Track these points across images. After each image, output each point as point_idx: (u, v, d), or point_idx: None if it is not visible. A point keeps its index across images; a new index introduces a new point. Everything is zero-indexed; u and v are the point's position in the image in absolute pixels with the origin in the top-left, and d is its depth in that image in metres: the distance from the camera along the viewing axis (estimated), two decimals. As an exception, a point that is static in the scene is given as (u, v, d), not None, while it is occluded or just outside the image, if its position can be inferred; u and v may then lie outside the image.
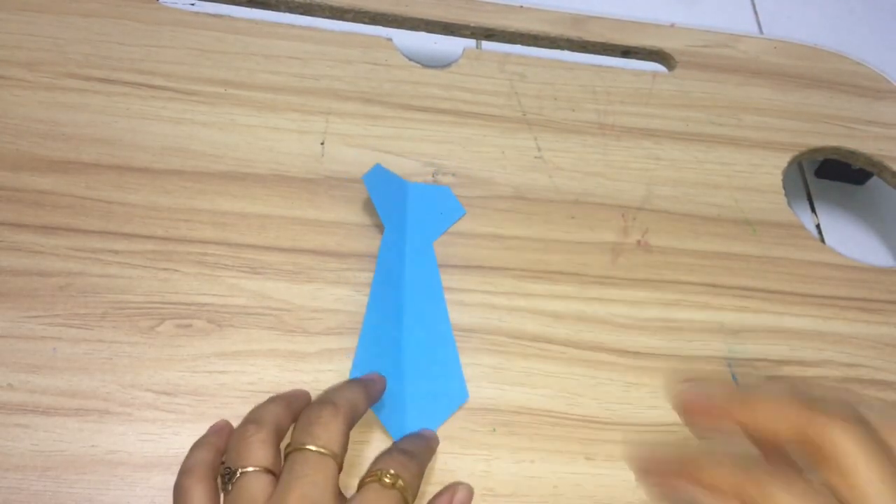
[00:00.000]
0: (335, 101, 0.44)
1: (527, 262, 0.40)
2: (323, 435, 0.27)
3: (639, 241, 0.42)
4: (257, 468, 0.26)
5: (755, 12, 0.62)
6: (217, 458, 0.29)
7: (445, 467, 0.34)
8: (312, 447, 0.26)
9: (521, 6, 0.50)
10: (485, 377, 0.37)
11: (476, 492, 0.34)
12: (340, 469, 0.27)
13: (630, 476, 0.35)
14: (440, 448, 0.34)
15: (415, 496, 0.27)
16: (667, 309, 0.40)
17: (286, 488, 0.26)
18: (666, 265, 0.42)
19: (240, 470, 0.26)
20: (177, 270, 0.37)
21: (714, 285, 0.42)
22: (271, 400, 0.30)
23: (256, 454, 0.27)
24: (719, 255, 0.43)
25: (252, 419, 0.28)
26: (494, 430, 0.35)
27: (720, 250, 0.43)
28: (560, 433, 0.36)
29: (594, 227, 0.42)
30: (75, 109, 0.41)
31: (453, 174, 0.43)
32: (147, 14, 0.45)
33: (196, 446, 0.30)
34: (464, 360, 0.37)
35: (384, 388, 0.33)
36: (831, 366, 0.40)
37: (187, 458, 0.29)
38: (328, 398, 0.29)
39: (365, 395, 0.31)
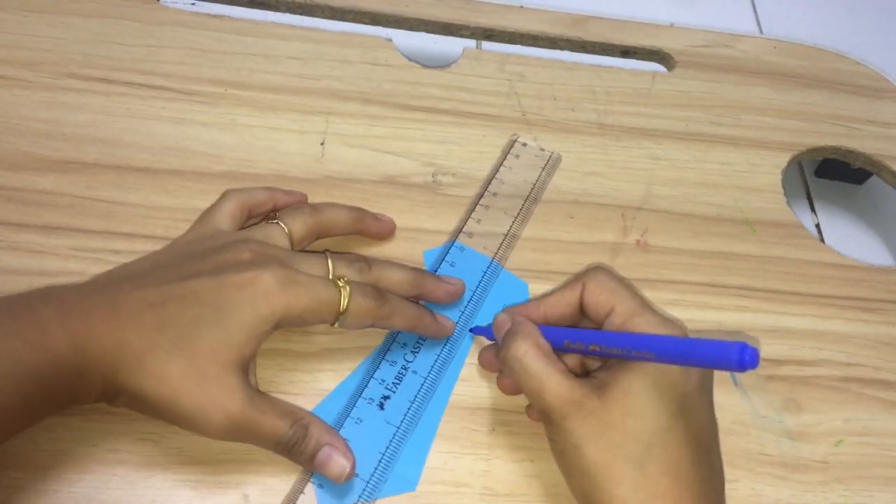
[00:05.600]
0: (335, 101, 0.44)
1: (527, 261, 0.41)
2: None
3: (638, 241, 0.42)
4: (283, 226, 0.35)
5: (755, 12, 0.62)
6: (266, 204, 0.37)
7: (445, 466, 0.34)
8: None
9: (521, 6, 0.50)
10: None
11: (476, 491, 0.34)
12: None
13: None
14: (440, 448, 0.35)
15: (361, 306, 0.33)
16: (666, 309, 0.40)
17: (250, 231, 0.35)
18: (665, 265, 0.42)
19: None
20: (177, 270, 0.37)
21: (713, 285, 0.42)
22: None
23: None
24: (718, 254, 0.43)
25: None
26: (494, 429, 0.36)
27: (719, 250, 0.43)
28: (559, 433, 0.36)
29: (594, 227, 0.42)
30: (75, 109, 0.41)
31: (453, 174, 0.43)
32: (147, 14, 0.45)
33: (266, 188, 0.38)
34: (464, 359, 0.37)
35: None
36: (830, 365, 0.40)
37: (251, 187, 0.38)
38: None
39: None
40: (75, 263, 0.36)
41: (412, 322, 0.35)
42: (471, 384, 0.36)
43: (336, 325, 0.32)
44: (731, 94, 0.49)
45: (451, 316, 0.37)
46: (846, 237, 0.50)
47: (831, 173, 0.53)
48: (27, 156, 0.39)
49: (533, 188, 0.43)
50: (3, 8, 0.44)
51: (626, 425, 0.29)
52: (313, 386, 0.35)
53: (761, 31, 0.61)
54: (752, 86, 0.50)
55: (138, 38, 0.44)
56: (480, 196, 0.42)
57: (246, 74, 0.44)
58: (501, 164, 0.43)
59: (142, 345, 0.29)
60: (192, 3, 0.47)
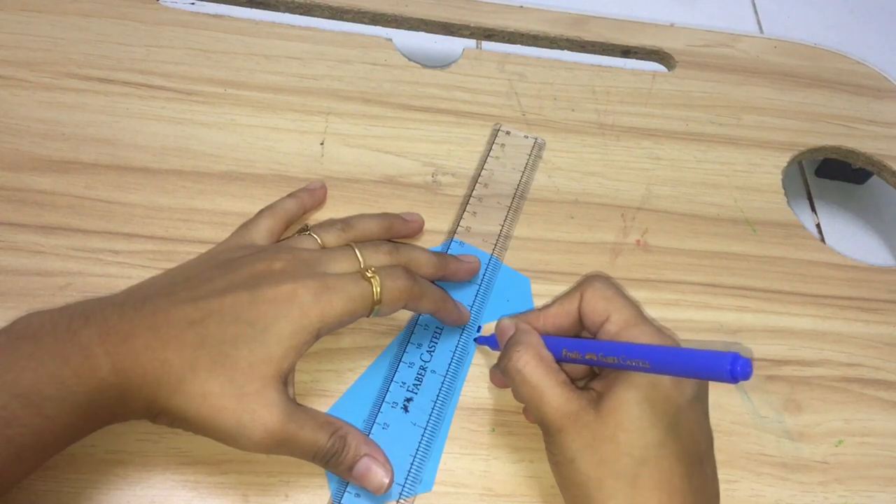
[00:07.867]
0: (335, 101, 0.44)
1: (527, 262, 0.41)
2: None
3: (638, 241, 0.42)
4: (316, 237, 0.35)
5: (755, 12, 0.62)
6: (298, 213, 0.39)
7: (445, 467, 0.34)
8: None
9: (521, 6, 0.50)
10: (484, 377, 0.37)
11: (475, 492, 0.34)
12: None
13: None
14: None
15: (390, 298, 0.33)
16: (666, 309, 0.40)
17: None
18: (665, 265, 0.42)
19: (310, 232, 0.36)
20: (177, 270, 0.37)
21: (713, 285, 0.42)
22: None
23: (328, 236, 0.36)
24: (719, 254, 0.43)
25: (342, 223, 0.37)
26: (494, 429, 0.36)
27: (720, 250, 0.43)
28: (559, 433, 0.36)
29: (594, 227, 0.42)
30: (75, 109, 0.41)
31: (453, 174, 0.43)
32: (147, 14, 0.45)
33: (291, 196, 0.39)
34: (463, 359, 0.37)
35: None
36: (830, 365, 0.40)
37: (280, 200, 0.39)
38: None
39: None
40: (75, 263, 0.36)
41: (438, 304, 0.35)
42: (470, 385, 0.36)
43: (372, 315, 0.33)
44: (732, 93, 0.49)
45: None
46: (846, 237, 0.50)
47: (832, 173, 0.53)
48: (27, 156, 0.39)
49: (522, 175, 0.43)
50: (3, 8, 0.44)
51: (619, 439, 0.29)
52: (312, 386, 0.35)
53: (761, 31, 0.61)
54: (753, 86, 0.50)
55: (138, 38, 0.44)
56: (472, 189, 0.42)
57: (246, 74, 0.44)
58: (488, 154, 0.43)
59: (182, 365, 0.29)
60: (192, 3, 0.47)
